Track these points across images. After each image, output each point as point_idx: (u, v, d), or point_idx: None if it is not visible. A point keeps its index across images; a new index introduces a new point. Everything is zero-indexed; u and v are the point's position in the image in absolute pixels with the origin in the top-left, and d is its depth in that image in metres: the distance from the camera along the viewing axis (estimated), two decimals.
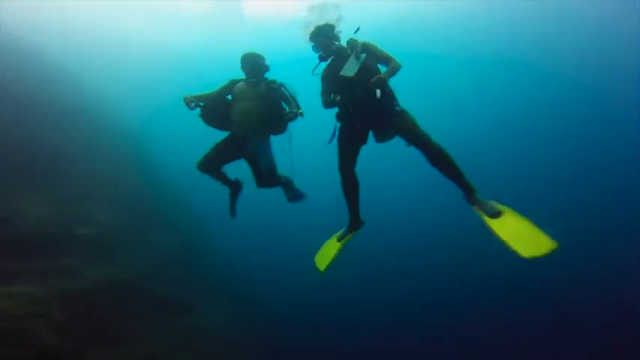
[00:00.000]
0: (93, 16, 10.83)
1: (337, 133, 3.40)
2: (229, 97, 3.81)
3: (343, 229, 3.65)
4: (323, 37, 3.27)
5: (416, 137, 3.08)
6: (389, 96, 3.25)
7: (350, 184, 3.42)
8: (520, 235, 2.61)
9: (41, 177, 5.57)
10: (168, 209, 8.57)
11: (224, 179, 4.07)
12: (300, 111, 3.57)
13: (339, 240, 3.60)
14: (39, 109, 6.52)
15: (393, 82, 3.29)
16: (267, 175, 3.90)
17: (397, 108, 3.26)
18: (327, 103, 3.32)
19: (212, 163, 3.87)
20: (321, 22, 3.29)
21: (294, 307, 8.75)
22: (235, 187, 4.19)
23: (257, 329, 7.53)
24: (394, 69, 3.15)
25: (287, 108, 3.72)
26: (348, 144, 3.35)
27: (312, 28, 3.30)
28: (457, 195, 3.17)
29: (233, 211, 4.29)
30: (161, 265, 6.70)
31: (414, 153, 3.15)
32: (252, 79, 3.74)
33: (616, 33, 11.38)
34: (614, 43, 11.44)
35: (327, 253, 3.58)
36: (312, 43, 3.35)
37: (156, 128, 11.05)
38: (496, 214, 2.82)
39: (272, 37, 11.79)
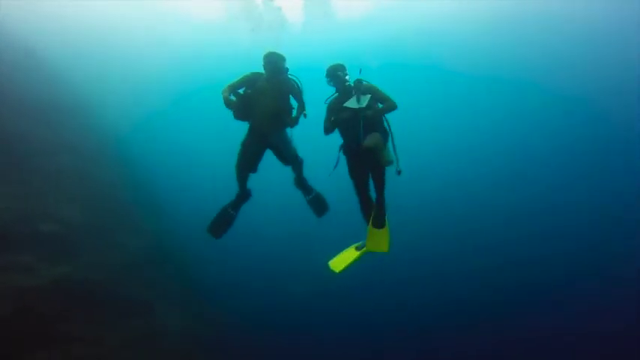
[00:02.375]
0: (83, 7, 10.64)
1: (347, 164, 4.00)
2: (242, 90, 4.06)
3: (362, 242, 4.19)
4: (337, 75, 3.87)
5: (373, 155, 3.63)
6: (377, 129, 3.78)
7: (366, 205, 4.06)
8: (378, 240, 3.90)
9: (6, 170, 5.48)
10: (137, 210, 8.51)
11: (243, 185, 4.39)
12: (304, 112, 4.01)
13: (358, 249, 4.15)
14: (14, 102, 6.43)
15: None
16: (291, 159, 4.34)
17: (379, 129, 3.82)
18: (327, 130, 3.94)
19: (246, 161, 4.22)
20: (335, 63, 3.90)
21: (259, 312, 8.75)
22: (244, 197, 4.48)
23: (216, 333, 7.57)
24: (388, 108, 3.76)
25: (295, 103, 4.13)
26: (354, 172, 3.96)
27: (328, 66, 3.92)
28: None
29: (221, 223, 4.50)
30: (125, 266, 6.64)
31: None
32: (273, 78, 4.04)
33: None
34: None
35: (345, 258, 4.07)
36: (328, 79, 3.94)
37: (133, 127, 10.89)
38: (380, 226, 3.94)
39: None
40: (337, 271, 3.96)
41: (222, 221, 4.49)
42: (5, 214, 4.93)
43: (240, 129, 4.40)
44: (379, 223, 3.97)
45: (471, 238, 10.53)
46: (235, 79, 4.10)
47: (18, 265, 4.57)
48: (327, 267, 4.09)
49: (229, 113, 4.04)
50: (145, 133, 11.23)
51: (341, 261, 4.05)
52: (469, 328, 8.60)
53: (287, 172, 4.62)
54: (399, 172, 3.70)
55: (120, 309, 5.79)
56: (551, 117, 12.47)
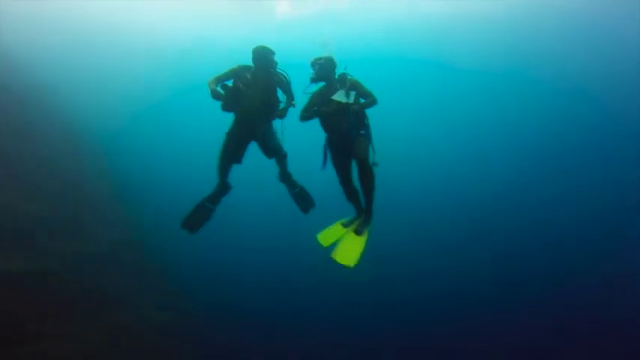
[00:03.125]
0: None
1: (329, 155, 4.10)
2: (229, 82, 4.11)
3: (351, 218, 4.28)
4: (324, 67, 3.94)
5: (361, 162, 3.81)
6: (361, 124, 3.94)
7: (350, 193, 4.20)
8: (350, 249, 3.84)
9: None
10: (114, 201, 8.33)
11: (224, 176, 4.39)
12: (293, 102, 4.13)
13: (345, 226, 4.23)
14: None
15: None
16: (275, 152, 4.40)
17: (362, 132, 3.95)
18: (305, 118, 4.06)
19: (231, 151, 4.25)
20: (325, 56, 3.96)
21: (238, 306, 8.75)
22: (224, 190, 4.48)
23: (194, 327, 7.57)
24: (370, 103, 3.87)
25: (282, 97, 4.20)
26: (338, 162, 4.07)
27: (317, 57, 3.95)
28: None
29: (198, 217, 4.47)
30: (97, 257, 6.46)
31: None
32: (261, 72, 4.09)
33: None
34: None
35: (333, 235, 4.15)
36: (315, 68, 3.96)
37: (112, 116, 10.54)
38: (359, 233, 3.98)
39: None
40: (325, 245, 4.06)
41: (199, 215, 4.47)
42: None
43: (220, 121, 4.35)
44: (360, 230, 4.02)
45: (471, 235, 10.60)
46: (222, 71, 4.11)
47: None
48: (316, 241, 4.19)
49: (212, 105, 4.06)
50: (124, 122, 10.96)
51: (328, 236, 4.15)
52: (466, 325, 8.69)
53: (270, 166, 4.59)
54: (374, 164, 3.89)
55: (90, 301, 5.69)
56: (554, 112, 12.27)
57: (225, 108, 4.09)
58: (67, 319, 5.06)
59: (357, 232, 3.97)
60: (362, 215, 4.17)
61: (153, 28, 11.70)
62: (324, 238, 4.14)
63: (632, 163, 10.48)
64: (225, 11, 12.02)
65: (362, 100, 3.93)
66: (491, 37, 12.86)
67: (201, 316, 8.14)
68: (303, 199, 4.71)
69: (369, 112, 4.06)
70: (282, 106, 4.12)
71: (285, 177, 4.60)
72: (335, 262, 3.81)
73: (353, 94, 3.77)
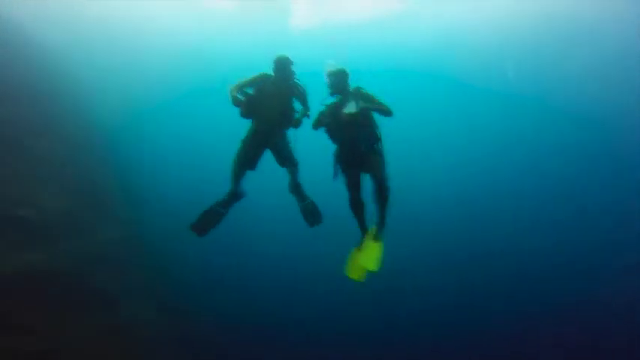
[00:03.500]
0: None
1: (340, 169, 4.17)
2: (250, 89, 4.22)
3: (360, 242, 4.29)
4: (339, 79, 4.05)
5: (379, 181, 3.91)
6: (372, 136, 4.04)
7: (357, 205, 4.20)
8: (368, 255, 4.04)
9: None
10: (117, 198, 8.40)
11: (237, 183, 4.42)
12: (308, 113, 4.22)
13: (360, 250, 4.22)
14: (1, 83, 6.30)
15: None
16: (288, 160, 4.45)
17: (376, 147, 4.05)
18: (316, 126, 4.20)
19: (247, 158, 4.32)
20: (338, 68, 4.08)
21: (230, 308, 8.84)
22: (237, 196, 4.48)
23: (185, 327, 7.55)
24: (382, 110, 3.92)
25: (297, 106, 4.29)
26: (347, 173, 4.11)
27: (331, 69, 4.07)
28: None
29: (208, 221, 4.46)
30: (97, 256, 6.52)
31: None
32: (280, 81, 4.20)
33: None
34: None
35: (371, 255, 4.10)
36: (329, 82, 4.09)
37: (121, 116, 10.78)
38: (376, 240, 4.13)
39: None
40: (374, 268, 4.04)
41: (209, 219, 4.45)
42: None
43: (231, 125, 4.45)
44: (378, 234, 4.15)
45: (475, 250, 10.72)
46: (244, 79, 4.22)
47: None
48: (347, 278, 4.21)
49: (226, 109, 4.12)
50: (133, 123, 11.15)
51: (357, 266, 4.14)
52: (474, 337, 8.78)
53: (281, 176, 4.64)
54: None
55: (88, 300, 5.72)
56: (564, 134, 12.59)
57: (244, 115, 4.19)
58: (68, 315, 5.11)
59: (375, 238, 4.14)
60: (368, 235, 4.23)
61: (167, 31, 11.93)
62: (354, 271, 4.17)
63: None
64: (240, 17, 12.24)
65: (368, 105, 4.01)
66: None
67: (200, 319, 8.16)
68: (311, 212, 4.67)
69: (380, 124, 4.14)
70: (297, 116, 4.21)
71: (296, 188, 4.61)
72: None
73: (361, 104, 3.87)
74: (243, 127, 4.47)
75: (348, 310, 9.23)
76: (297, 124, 4.19)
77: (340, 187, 4.23)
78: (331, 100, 4.17)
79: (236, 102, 4.02)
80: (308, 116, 4.23)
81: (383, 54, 12.57)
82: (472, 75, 13.21)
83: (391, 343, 9.05)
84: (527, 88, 13.14)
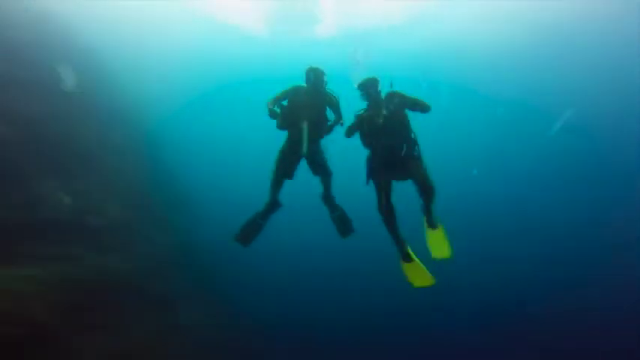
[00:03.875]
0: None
1: (371, 174, 4.15)
2: (285, 102, 4.38)
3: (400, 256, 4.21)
4: (370, 87, 4.08)
5: (422, 183, 3.89)
6: (409, 141, 4.02)
7: (388, 213, 4.07)
8: (438, 244, 4.14)
9: (68, 165, 6.00)
10: (171, 207, 9.00)
11: (276, 193, 4.55)
12: (341, 121, 4.29)
13: (408, 261, 4.14)
14: (73, 102, 6.99)
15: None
16: (322, 169, 4.55)
17: (415, 153, 4.01)
18: (349, 134, 4.24)
19: (284, 168, 4.45)
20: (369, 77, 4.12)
21: (281, 317, 9.03)
22: (274, 206, 4.61)
23: (235, 333, 7.78)
24: (419, 105, 3.93)
25: (330, 115, 4.38)
26: (378, 179, 4.06)
27: (361, 79, 4.11)
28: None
29: (249, 232, 4.64)
30: (157, 261, 7.06)
31: None
32: (313, 92, 4.33)
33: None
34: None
35: (418, 273, 4.10)
36: (361, 92, 4.13)
37: (168, 127, 11.52)
38: (433, 227, 4.19)
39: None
40: (432, 282, 4.05)
41: (251, 230, 4.63)
42: (64, 207, 5.42)
43: (273, 133, 4.58)
44: (431, 223, 4.21)
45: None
46: (279, 92, 4.39)
47: (70, 255, 5.00)
48: (414, 288, 4.18)
49: (266, 118, 4.26)
50: (179, 134, 11.89)
51: (421, 276, 4.10)
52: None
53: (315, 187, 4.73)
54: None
55: (150, 303, 6.18)
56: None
57: (280, 127, 4.34)
58: (128, 314, 5.55)
59: (431, 226, 4.20)
60: (401, 243, 4.14)
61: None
62: (421, 281, 4.11)
63: None
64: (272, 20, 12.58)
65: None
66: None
67: (242, 322, 8.40)
68: (343, 223, 4.73)
69: (417, 129, 4.11)
70: (329, 123, 4.29)
71: (328, 198, 4.68)
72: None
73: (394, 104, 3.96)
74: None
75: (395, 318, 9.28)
76: (329, 130, 4.28)
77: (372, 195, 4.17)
78: (363, 108, 4.20)
79: (273, 115, 4.17)
80: (341, 124, 4.29)
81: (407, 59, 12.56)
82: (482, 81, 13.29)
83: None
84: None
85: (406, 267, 4.13)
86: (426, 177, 3.90)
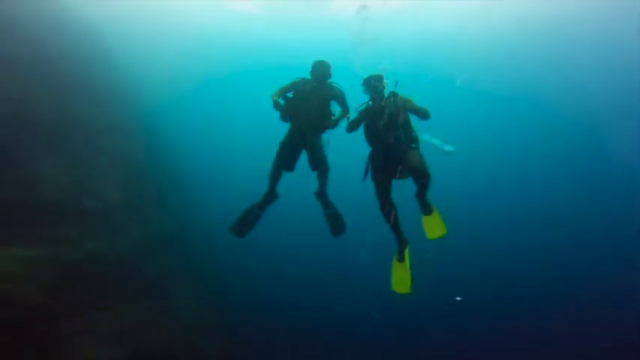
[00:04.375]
0: None
1: (370, 172, 4.21)
2: (290, 94, 4.44)
3: (397, 253, 4.30)
4: (376, 83, 4.11)
5: (418, 170, 3.89)
6: (409, 137, 4.05)
7: (389, 211, 4.16)
8: (433, 226, 4.20)
9: (65, 145, 5.90)
10: (168, 190, 8.97)
11: (275, 184, 4.62)
12: (348, 114, 4.31)
13: (401, 261, 4.22)
14: (74, 81, 6.88)
15: None
16: (319, 163, 4.58)
17: (412, 145, 4.08)
18: (351, 128, 4.24)
19: (284, 159, 4.50)
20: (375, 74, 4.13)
21: (270, 302, 9.28)
22: (272, 197, 4.67)
23: (224, 320, 7.90)
24: (420, 112, 3.97)
25: (336, 109, 4.41)
26: (379, 176, 4.13)
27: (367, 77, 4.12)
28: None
29: (245, 223, 4.67)
30: (152, 245, 7.05)
31: None
32: (318, 84, 4.37)
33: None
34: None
35: (402, 277, 4.18)
36: (365, 87, 4.15)
37: (169, 108, 11.48)
38: (428, 212, 4.24)
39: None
40: (407, 291, 4.10)
41: (247, 221, 4.67)
42: (61, 188, 5.35)
43: (276, 122, 4.59)
44: (427, 210, 4.25)
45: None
46: (284, 84, 4.44)
47: (65, 237, 4.97)
48: (394, 293, 4.21)
49: (270, 108, 4.31)
50: (180, 116, 11.86)
51: (402, 282, 4.14)
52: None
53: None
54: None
55: (143, 285, 6.21)
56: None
57: (283, 118, 4.39)
58: (120, 296, 5.54)
59: (426, 214, 4.26)
60: (403, 243, 4.23)
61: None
62: (400, 285, 4.16)
63: None
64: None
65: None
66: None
67: (248, 307, 8.61)
68: (335, 221, 4.77)
69: (417, 126, 4.17)
70: (334, 117, 4.30)
71: (322, 195, 4.70)
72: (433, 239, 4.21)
73: (398, 103, 3.96)
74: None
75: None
76: (334, 124, 4.27)
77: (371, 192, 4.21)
78: (365, 104, 4.23)
79: (276, 106, 4.22)
80: (348, 118, 4.29)
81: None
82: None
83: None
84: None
85: (396, 266, 4.21)
86: (422, 165, 3.91)
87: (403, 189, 4.24)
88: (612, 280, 9.25)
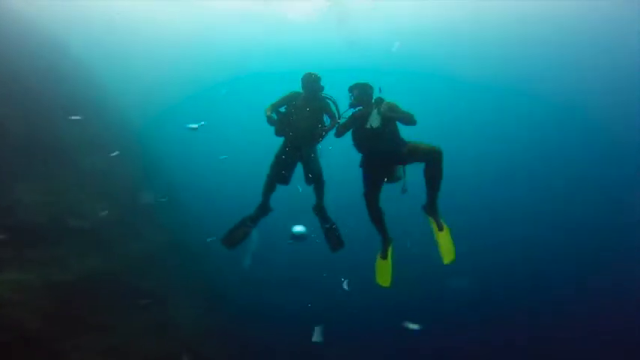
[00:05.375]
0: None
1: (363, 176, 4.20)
2: (283, 108, 4.47)
3: (380, 251, 4.33)
4: (362, 92, 4.13)
5: (427, 153, 3.81)
6: (397, 141, 4.04)
7: (376, 214, 4.18)
8: (447, 247, 4.02)
9: (42, 166, 5.87)
10: (159, 205, 8.89)
11: (268, 197, 4.60)
12: (338, 121, 4.32)
13: (384, 258, 4.28)
14: (46, 99, 6.84)
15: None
16: (315, 176, 4.55)
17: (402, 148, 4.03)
18: (340, 134, 4.25)
19: (278, 172, 4.50)
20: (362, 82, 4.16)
21: (268, 307, 9.19)
22: (265, 210, 4.66)
23: (224, 328, 7.89)
24: (405, 119, 3.91)
25: (327, 120, 4.43)
26: (369, 183, 4.13)
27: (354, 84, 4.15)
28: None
29: (237, 235, 4.65)
30: (145, 260, 7.04)
31: None
32: (310, 97, 4.42)
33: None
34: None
35: (384, 273, 4.26)
36: (351, 94, 4.16)
37: (157, 125, 11.33)
38: (441, 229, 4.06)
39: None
40: (387, 285, 4.18)
41: (238, 234, 4.66)
42: (43, 209, 5.33)
43: (267, 135, 4.60)
44: (440, 225, 4.10)
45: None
46: (277, 99, 4.48)
47: (54, 258, 4.96)
48: (377, 285, 4.28)
49: (263, 120, 4.33)
50: (168, 132, 11.67)
51: (384, 276, 4.24)
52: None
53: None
54: (405, 191, 4.08)
55: (138, 300, 6.14)
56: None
57: (278, 133, 4.42)
58: (118, 313, 5.51)
59: (440, 228, 4.10)
60: (387, 241, 4.28)
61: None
62: (382, 279, 4.24)
63: None
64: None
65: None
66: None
67: (243, 318, 8.51)
68: (334, 236, 4.73)
69: (405, 132, 4.13)
70: (323, 127, 4.32)
71: (320, 209, 4.68)
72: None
73: (378, 117, 3.92)
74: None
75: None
76: (324, 134, 4.30)
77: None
78: (351, 111, 4.23)
79: (271, 121, 4.26)
80: (338, 123, 4.31)
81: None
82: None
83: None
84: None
85: (379, 263, 4.30)
86: (427, 145, 3.82)
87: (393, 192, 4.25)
88: (611, 278, 9.26)
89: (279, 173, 4.49)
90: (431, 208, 4.06)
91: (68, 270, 4.98)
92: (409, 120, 3.88)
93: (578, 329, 8.25)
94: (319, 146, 4.54)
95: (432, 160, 3.77)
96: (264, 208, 4.63)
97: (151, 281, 6.75)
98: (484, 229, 11.08)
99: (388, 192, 4.25)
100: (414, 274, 9.44)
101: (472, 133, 13.68)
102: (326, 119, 4.46)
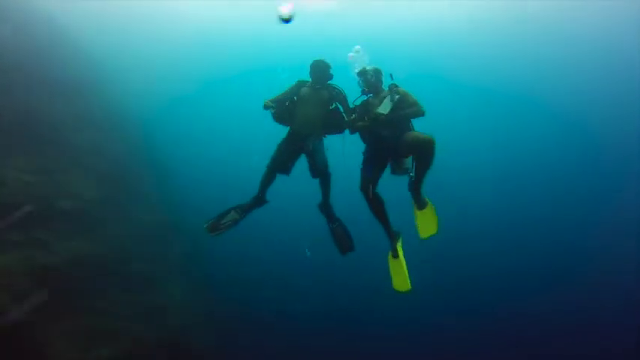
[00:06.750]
0: None
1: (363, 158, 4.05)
2: (295, 97, 4.27)
3: (390, 249, 4.12)
4: (375, 77, 3.94)
5: (420, 143, 3.61)
6: (403, 130, 3.83)
7: (376, 203, 3.93)
8: (426, 223, 4.00)
9: (31, 144, 5.61)
10: (150, 185, 8.72)
11: (265, 187, 4.35)
12: (354, 115, 4.07)
13: (395, 257, 4.04)
14: (38, 75, 6.52)
15: None
16: (320, 169, 4.30)
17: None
18: (354, 130, 4.03)
19: (279, 161, 4.27)
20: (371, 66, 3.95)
21: (260, 297, 9.20)
22: (260, 201, 4.38)
23: (214, 310, 7.89)
24: (413, 113, 3.79)
25: (342, 109, 4.25)
26: (370, 168, 3.93)
27: (364, 68, 3.95)
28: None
29: (223, 223, 4.34)
30: (134, 241, 6.90)
31: None
32: (317, 85, 4.21)
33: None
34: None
35: (399, 273, 4.00)
36: (361, 79, 3.96)
37: (152, 105, 11.05)
38: (422, 207, 4.04)
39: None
40: (408, 289, 3.90)
41: (224, 223, 4.32)
42: (29, 190, 5.11)
43: (265, 123, 4.40)
44: (421, 203, 4.04)
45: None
46: (282, 91, 4.28)
47: (39, 241, 4.79)
48: (395, 291, 4.00)
49: (260, 107, 4.14)
50: (166, 112, 11.55)
51: (401, 279, 3.97)
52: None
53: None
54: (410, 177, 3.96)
55: (128, 284, 6.09)
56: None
57: (277, 119, 4.23)
58: (105, 297, 5.44)
59: (420, 207, 4.03)
60: (394, 236, 4.07)
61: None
62: (400, 283, 3.97)
63: None
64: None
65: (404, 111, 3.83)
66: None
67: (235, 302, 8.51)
68: (342, 237, 4.44)
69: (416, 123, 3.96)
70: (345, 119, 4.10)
71: (326, 207, 4.45)
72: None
73: (397, 97, 3.72)
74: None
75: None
76: (340, 127, 4.14)
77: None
78: (362, 98, 4.03)
79: (266, 105, 4.06)
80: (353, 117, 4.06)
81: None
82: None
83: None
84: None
85: (392, 264, 4.07)
86: (422, 134, 3.63)
87: (398, 185, 4.09)
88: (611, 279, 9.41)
89: (281, 161, 4.26)
90: (416, 190, 3.99)
91: (52, 253, 4.80)
92: (417, 113, 3.77)
93: (574, 330, 8.45)
94: (324, 140, 4.31)
95: (422, 150, 3.61)
96: (259, 199, 4.39)
97: (141, 263, 6.63)
98: (480, 233, 11.08)
99: (389, 188, 4.07)
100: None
101: (466, 135, 13.59)
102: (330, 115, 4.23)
